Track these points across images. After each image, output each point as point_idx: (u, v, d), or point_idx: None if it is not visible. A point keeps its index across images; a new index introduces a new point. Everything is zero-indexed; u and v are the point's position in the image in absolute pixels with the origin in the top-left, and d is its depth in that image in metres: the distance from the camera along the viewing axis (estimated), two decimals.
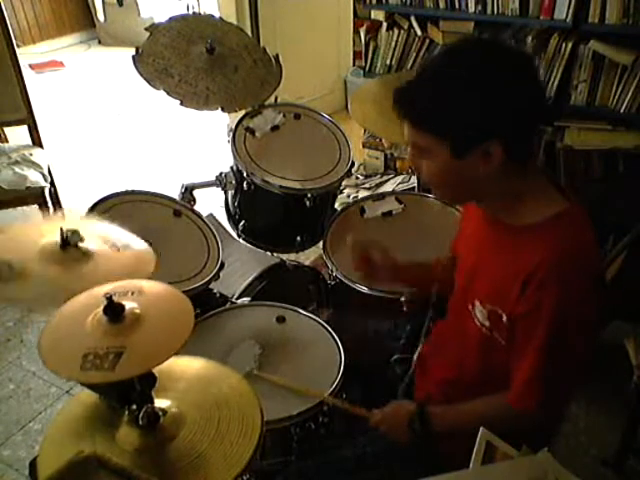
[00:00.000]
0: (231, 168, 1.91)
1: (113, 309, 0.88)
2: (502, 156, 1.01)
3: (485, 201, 1.14)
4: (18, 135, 3.06)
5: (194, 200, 1.95)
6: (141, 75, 1.78)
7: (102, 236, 1.12)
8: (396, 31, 2.84)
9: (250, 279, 1.92)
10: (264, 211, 1.93)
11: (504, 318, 1.10)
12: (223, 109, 1.86)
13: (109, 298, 0.88)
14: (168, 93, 1.78)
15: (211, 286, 1.65)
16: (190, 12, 5.26)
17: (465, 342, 1.22)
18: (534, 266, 1.02)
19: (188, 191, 1.95)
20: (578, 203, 1.10)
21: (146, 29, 1.88)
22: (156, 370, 0.90)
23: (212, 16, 2.05)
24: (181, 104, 1.80)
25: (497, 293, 1.11)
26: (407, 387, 1.41)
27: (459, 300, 1.25)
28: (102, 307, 0.89)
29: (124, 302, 0.90)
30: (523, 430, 1.06)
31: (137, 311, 0.90)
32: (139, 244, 1.14)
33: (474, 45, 1.07)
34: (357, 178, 3.49)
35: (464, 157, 1.02)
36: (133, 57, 1.80)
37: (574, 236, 1.05)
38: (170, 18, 1.93)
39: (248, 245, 2.01)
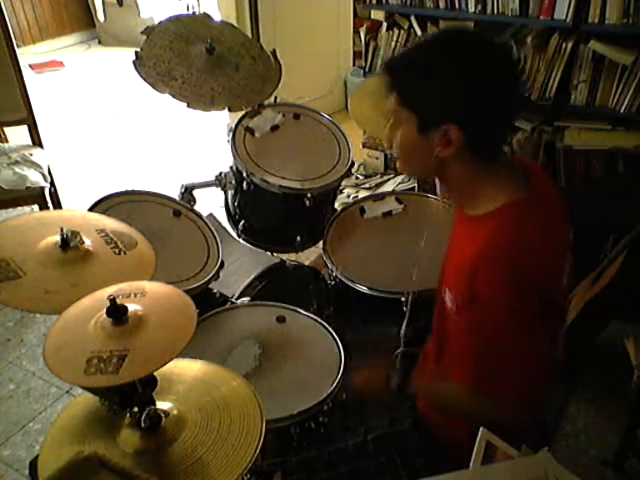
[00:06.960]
0: (231, 168, 1.91)
1: (116, 311, 0.88)
2: (461, 144, 1.07)
3: (446, 184, 1.20)
4: (18, 135, 3.06)
5: (194, 200, 1.95)
6: (144, 80, 1.76)
7: (103, 236, 1.12)
8: (396, 31, 2.85)
9: (250, 279, 1.92)
10: (264, 211, 1.92)
11: (459, 303, 1.14)
12: (230, 109, 1.84)
13: (112, 300, 0.88)
14: (174, 96, 1.76)
15: (211, 286, 1.64)
16: (190, 12, 5.26)
17: (444, 328, 1.26)
18: (474, 256, 1.08)
19: (188, 191, 1.94)
20: (540, 195, 1.13)
21: (142, 32, 1.85)
22: (156, 372, 0.90)
23: (207, 15, 2.02)
24: (188, 106, 1.78)
25: (455, 280, 1.16)
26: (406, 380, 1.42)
27: (438, 288, 1.29)
28: (105, 309, 0.88)
29: (127, 304, 0.89)
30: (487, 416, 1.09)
31: (140, 313, 0.89)
32: (141, 243, 1.13)
33: (460, 35, 1.14)
34: (357, 178, 3.49)
35: (427, 134, 1.10)
36: (134, 62, 1.78)
37: (510, 229, 1.07)
38: (165, 19, 1.89)
39: (248, 245, 2.01)
